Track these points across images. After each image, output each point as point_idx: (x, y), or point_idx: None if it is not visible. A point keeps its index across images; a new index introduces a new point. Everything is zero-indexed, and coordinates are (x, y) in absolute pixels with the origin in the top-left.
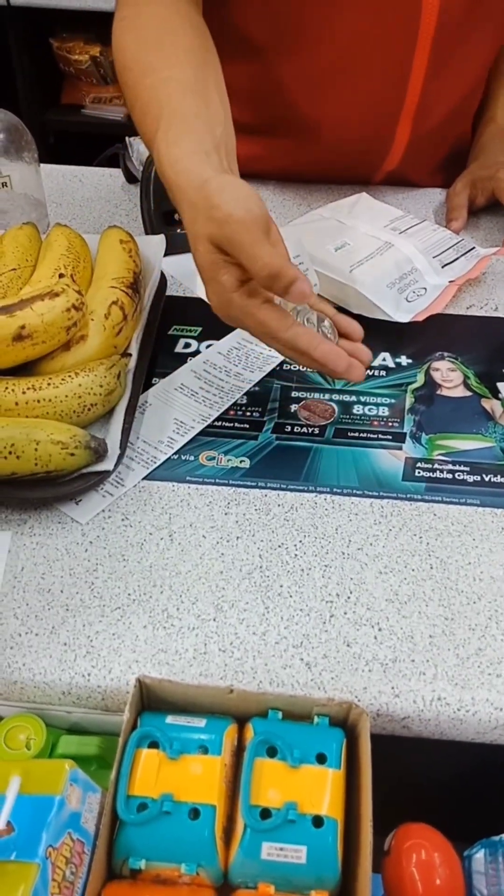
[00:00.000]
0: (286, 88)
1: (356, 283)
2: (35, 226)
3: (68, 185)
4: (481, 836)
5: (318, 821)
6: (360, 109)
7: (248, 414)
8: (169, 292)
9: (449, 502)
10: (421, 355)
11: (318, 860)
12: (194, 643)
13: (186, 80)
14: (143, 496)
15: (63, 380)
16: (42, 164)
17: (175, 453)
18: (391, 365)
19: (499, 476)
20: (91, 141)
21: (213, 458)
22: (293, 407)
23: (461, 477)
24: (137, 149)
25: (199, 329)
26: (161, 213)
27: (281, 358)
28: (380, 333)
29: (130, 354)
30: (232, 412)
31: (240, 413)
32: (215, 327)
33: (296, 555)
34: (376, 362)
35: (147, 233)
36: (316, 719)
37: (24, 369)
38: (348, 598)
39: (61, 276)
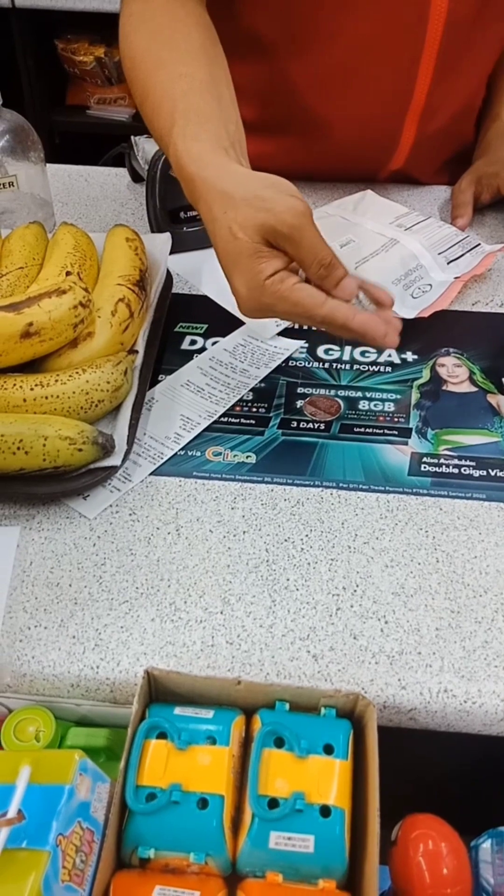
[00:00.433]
0: (294, 88)
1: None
2: (42, 225)
3: (74, 184)
4: (488, 827)
5: (325, 810)
6: (367, 110)
7: (255, 410)
8: (175, 290)
9: (455, 497)
10: (426, 351)
11: (326, 849)
12: (202, 636)
13: (200, 77)
14: (151, 491)
15: (70, 376)
16: (48, 164)
17: (182, 449)
18: (397, 361)
19: None
20: (96, 141)
21: (220, 453)
22: (299, 403)
23: (467, 472)
24: (143, 148)
25: (205, 326)
26: (167, 212)
27: (287, 354)
28: None
29: (137, 351)
30: (238, 408)
31: (246, 409)
32: (221, 324)
33: (302, 549)
34: (382, 358)
35: (153, 231)
36: (323, 711)
37: (31, 366)
38: (355, 591)
39: (68, 273)
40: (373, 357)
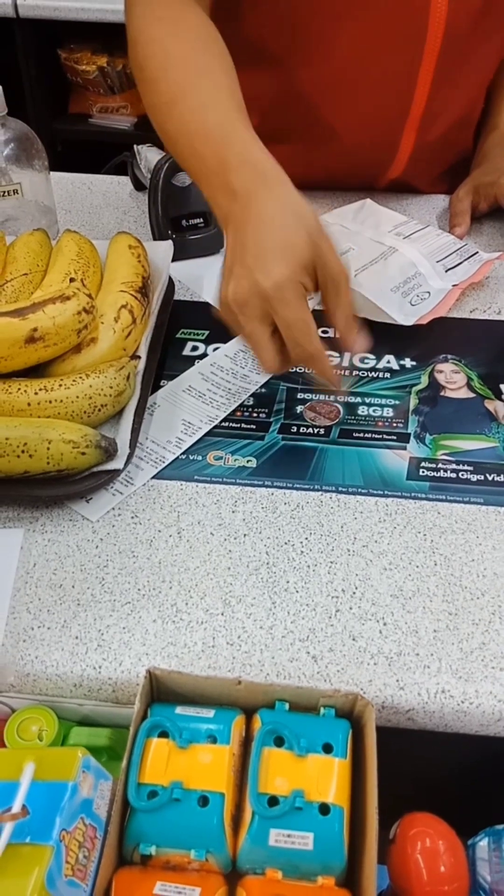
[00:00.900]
0: (294, 95)
1: (361, 287)
2: (46, 232)
3: (77, 192)
4: (485, 826)
5: (324, 808)
6: (367, 117)
7: (255, 415)
8: (177, 297)
9: (453, 501)
10: (425, 358)
11: (325, 847)
12: (203, 637)
13: (237, 97)
14: (153, 495)
15: (74, 381)
16: (52, 172)
17: (183, 453)
18: (395, 367)
19: (502, 475)
20: (97, 150)
21: (221, 457)
22: (299, 408)
23: (465, 476)
24: (146, 157)
25: (207, 332)
26: (169, 220)
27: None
28: (384, 336)
29: (139, 357)
30: (239, 413)
31: (246, 414)
32: (222, 331)
33: (302, 551)
34: (381, 364)
35: (155, 238)
36: (322, 710)
37: (36, 371)
38: (353, 593)
39: (72, 280)
40: (372, 363)
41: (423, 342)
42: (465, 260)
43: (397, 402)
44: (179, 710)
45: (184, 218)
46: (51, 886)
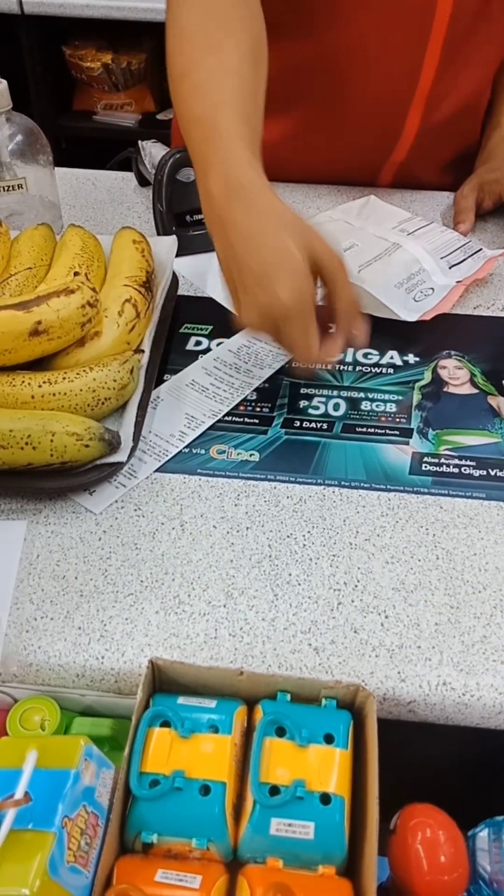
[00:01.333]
0: (302, 68)
1: (365, 283)
2: (50, 226)
3: (82, 187)
4: (485, 817)
5: (325, 798)
6: (373, 93)
7: (258, 409)
8: (181, 292)
9: (455, 495)
10: (428, 353)
11: (326, 836)
12: (205, 628)
13: (249, 80)
14: (156, 487)
15: (78, 374)
16: (56, 168)
17: (186, 447)
18: (399, 363)
19: None
20: (101, 146)
21: (224, 451)
22: (302, 403)
23: (467, 471)
24: (150, 152)
25: (210, 327)
26: (173, 215)
27: (290, 355)
28: (388, 332)
29: (143, 351)
30: (242, 407)
31: (250, 408)
32: (226, 326)
33: (304, 545)
34: (384, 360)
35: (159, 234)
36: (324, 702)
37: (40, 364)
38: (356, 586)
39: (76, 274)
40: (375, 359)
41: (426, 338)
42: (469, 257)
43: (400, 398)
44: (182, 700)
45: (187, 213)
46: (53, 872)
